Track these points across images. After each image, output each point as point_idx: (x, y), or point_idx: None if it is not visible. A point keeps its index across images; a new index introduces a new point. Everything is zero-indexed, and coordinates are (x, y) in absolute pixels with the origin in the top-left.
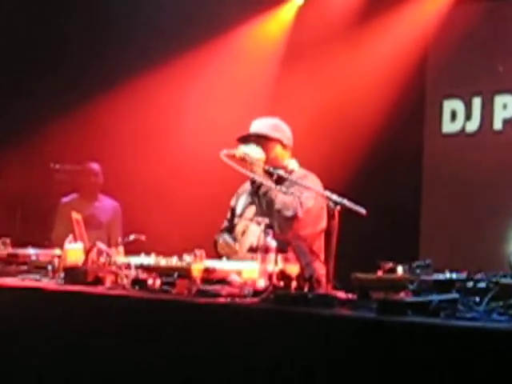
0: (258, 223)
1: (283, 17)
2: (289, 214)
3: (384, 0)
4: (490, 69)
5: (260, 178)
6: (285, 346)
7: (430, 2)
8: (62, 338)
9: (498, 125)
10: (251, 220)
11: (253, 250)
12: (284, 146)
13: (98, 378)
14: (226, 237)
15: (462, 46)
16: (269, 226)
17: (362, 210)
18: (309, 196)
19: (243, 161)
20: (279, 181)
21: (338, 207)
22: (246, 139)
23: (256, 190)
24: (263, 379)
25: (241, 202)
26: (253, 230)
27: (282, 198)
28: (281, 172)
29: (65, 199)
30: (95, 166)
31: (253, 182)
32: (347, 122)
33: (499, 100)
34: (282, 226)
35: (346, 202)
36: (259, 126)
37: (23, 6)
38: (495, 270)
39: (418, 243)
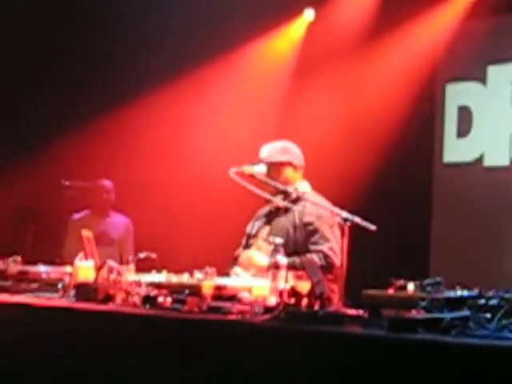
0: (270, 243)
1: (293, 33)
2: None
3: (394, 14)
4: None
5: (271, 196)
6: (295, 363)
7: (440, 16)
8: (74, 355)
9: None
10: (265, 240)
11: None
12: (294, 167)
13: None
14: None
15: (473, 59)
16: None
17: (372, 226)
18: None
19: (253, 178)
20: (292, 200)
21: (348, 223)
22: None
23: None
24: None
25: (257, 225)
26: (266, 250)
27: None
28: (291, 189)
29: (76, 216)
30: (107, 183)
31: (268, 201)
32: (358, 138)
33: None
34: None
35: (356, 218)
36: (268, 150)
37: (32, 20)
38: (506, 288)
39: (428, 260)
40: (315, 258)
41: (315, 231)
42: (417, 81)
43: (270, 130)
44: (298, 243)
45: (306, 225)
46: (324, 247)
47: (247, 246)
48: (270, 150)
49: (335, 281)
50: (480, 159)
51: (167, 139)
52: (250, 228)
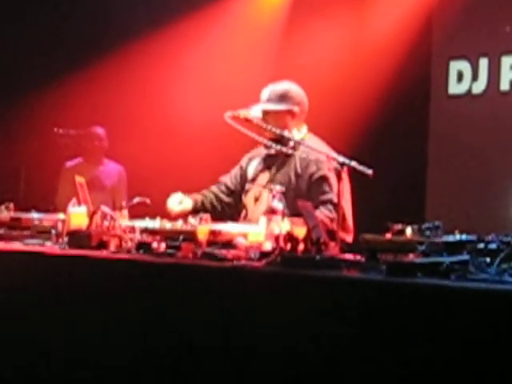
0: (271, 190)
1: None
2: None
3: None
4: (497, 30)
5: (269, 140)
6: (292, 309)
7: None
8: (66, 302)
9: (505, 86)
10: (264, 187)
11: None
12: (293, 114)
13: (100, 342)
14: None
15: (468, 6)
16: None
17: (369, 171)
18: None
19: (249, 122)
20: (290, 147)
21: (345, 168)
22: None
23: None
24: (270, 343)
25: (252, 166)
26: (266, 198)
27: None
28: (288, 135)
29: (69, 163)
30: (99, 130)
31: (266, 146)
32: (353, 85)
33: (506, 61)
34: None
35: (352, 162)
36: (268, 94)
37: None
38: (505, 232)
39: (424, 205)
40: (325, 210)
41: (320, 180)
42: (411, 27)
43: (263, 76)
44: (301, 192)
45: (310, 175)
46: (333, 196)
47: (242, 190)
48: (270, 94)
49: (348, 231)
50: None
51: (160, 86)
52: (245, 165)
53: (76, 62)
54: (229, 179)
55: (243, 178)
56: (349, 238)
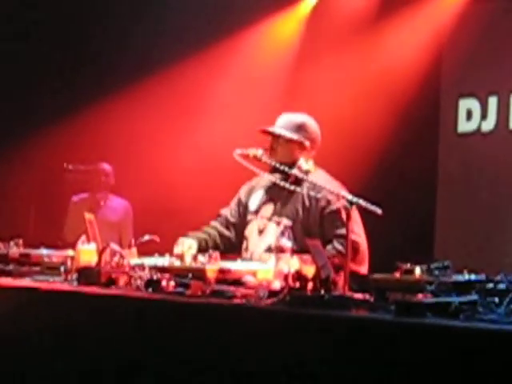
0: (277, 223)
1: (299, 14)
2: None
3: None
4: (506, 68)
5: (278, 179)
6: (300, 348)
7: (444, 2)
8: (76, 339)
9: None
10: (269, 219)
11: (270, 250)
12: (303, 148)
13: (112, 378)
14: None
15: (478, 44)
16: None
17: (378, 210)
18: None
19: (258, 160)
20: (295, 181)
21: (354, 207)
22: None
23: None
24: (278, 381)
25: (254, 197)
26: (271, 230)
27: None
28: (295, 171)
29: (75, 198)
30: (106, 166)
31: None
32: (362, 121)
33: None
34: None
35: (361, 201)
36: (285, 121)
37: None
38: None
39: (433, 244)
40: (338, 245)
41: (333, 214)
42: (421, 63)
43: (273, 111)
44: (309, 226)
45: (321, 209)
46: (344, 231)
47: (244, 219)
48: (287, 122)
49: (362, 263)
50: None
51: (169, 122)
52: (246, 197)
53: (84, 98)
54: (229, 212)
55: (243, 210)
56: (363, 270)
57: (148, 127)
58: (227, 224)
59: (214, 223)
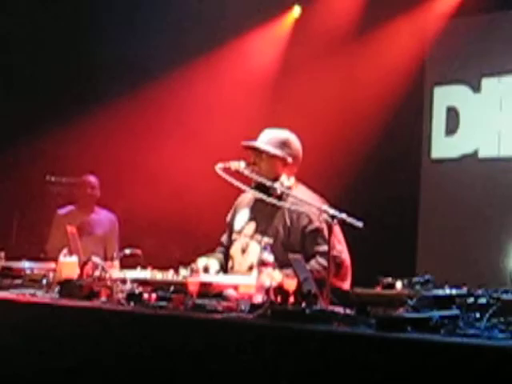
0: (259, 242)
1: (280, 30)
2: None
3: (383, 10)
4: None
5: (259, 193)
6: (281, 361)
7: (427, 14)
8: (58, 352)
9: None
10: (251, 237)
11: (253, 269)
12: (285, 164)
13: None
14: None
15: (460, 58)
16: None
17: (359, 223)
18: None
19: (239, 174)
20: (278, 197)
21: (335, 221)
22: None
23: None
24: None
25: (240, 216)
26: (253, 249)
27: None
28: (277, 186)
29: (61, 211)
30: (92, 179)
31: (255, 193)
32: (344, 133)
33: None
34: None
35: (343, 215)
36: (268, 137)
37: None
38: (495, 286)
39: (415, 258)
40: (321, 260)
41: (315, 232)
42: (405, 78)
43: (256, 127)
44: (290, 244)
45: (303, 228)
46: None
47: (230, 241)
48: (271, 138)
49: (344, 279)
50: (470, 155)
51: (153, 136)
52: (231, 219)
53: (68, 111)
54: (225, 239)
55: (231, 231)
56: (346, 285)
57: (133, 139)
58: (226, 251)
59: (219, 254)
